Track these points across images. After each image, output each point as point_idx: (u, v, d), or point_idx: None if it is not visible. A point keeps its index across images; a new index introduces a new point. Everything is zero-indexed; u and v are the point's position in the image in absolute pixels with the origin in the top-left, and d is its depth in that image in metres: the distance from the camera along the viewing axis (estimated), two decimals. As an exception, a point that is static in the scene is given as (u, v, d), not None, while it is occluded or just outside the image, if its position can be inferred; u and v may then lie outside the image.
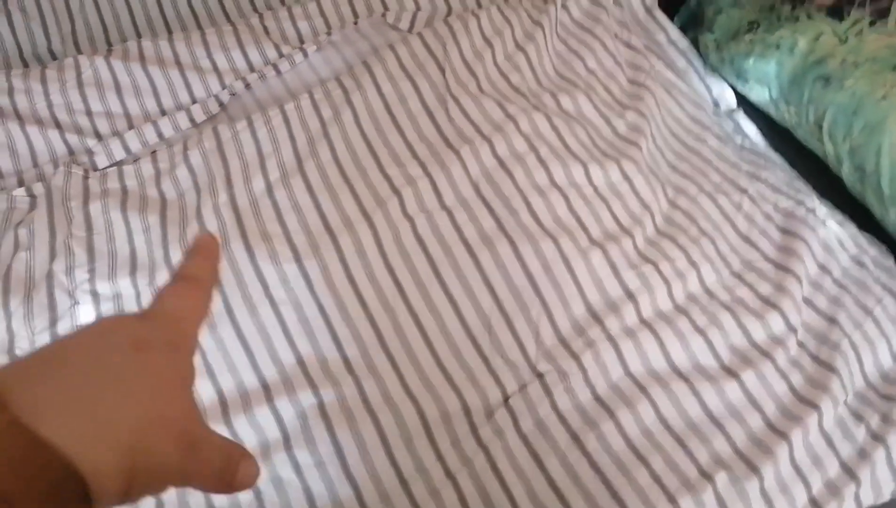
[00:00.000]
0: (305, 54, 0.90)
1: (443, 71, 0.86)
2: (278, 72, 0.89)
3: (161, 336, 0.30)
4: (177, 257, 0.71)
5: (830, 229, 0.78)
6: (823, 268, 0.76)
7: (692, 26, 0.98)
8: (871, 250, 0.77)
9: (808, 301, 0.74)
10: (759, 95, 0.90)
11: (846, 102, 0.78)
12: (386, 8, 0.96)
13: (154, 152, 0.82)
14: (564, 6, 0.97)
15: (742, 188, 0.81)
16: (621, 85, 0.90)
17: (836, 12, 0.81)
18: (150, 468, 0.27)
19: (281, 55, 0.90)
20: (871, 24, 0.79)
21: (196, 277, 0.34)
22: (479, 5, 0.98)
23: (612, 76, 0.91)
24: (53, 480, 0.24)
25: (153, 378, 0.28)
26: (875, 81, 0.76)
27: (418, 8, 0.96)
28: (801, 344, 0.71)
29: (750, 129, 0.93)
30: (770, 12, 0.87)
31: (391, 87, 0.85)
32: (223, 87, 0.88)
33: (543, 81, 0.89)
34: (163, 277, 0.70)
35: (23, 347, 0.67)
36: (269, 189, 0.77)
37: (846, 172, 0.80)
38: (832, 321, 0.72)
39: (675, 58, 0.98)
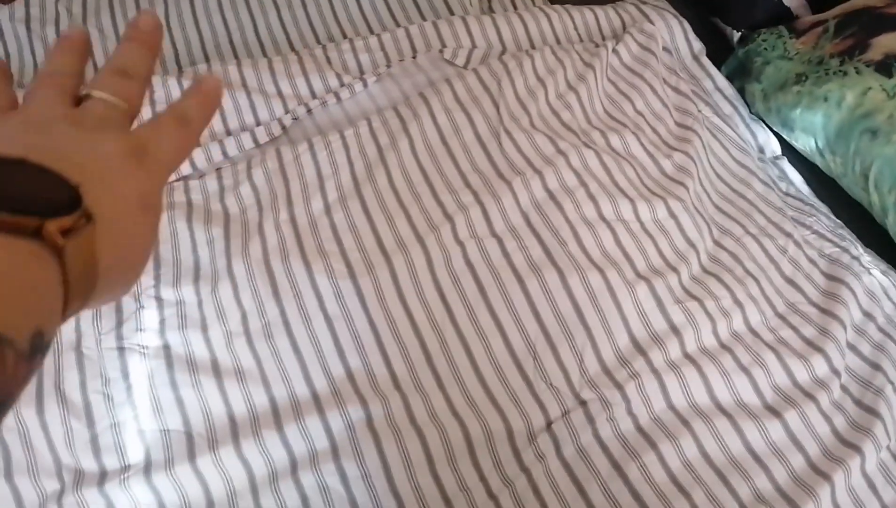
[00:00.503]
0: (365, 84, 0.95)
1: (497, 106, 0.90)
2: (339, 99, 0.94)
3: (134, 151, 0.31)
4: (240, 269, 0.74)
5: (875, 277, 0.79)
6: (868, 314, 0.76)
7: (739, 76, 1.01)
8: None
9: (851, 346, 0.74)
10: (804, 143, 0.92)
11: (893, 155, 0.79)
12: (443, 44, 1.00)
13: (219, 169, 0.86)
14: (615, 50, 1.01)
15: (787, 232, 0.83)
16: (669, 127, 0.93)
17: (885, 68, 0.84)
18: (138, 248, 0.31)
19: (342, 84, 0.95)
20: (920, 80, 0.81)
21: (190, 119, 0.34)
22: (533, 46, 1.02)
23: (659, 118, 0.93)
24: (89, 270, 0.28)
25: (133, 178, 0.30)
26: (923, 134, 0.78)
27: (474, 45, 1.00)
28: (844, 388, 0.72)
29: (795, 176, 0.94)
30: (819, 66, 0.89)
31: (446, 118, 0.88)
32: (286, 111, 0.92)
33: (593, 119, 0.92)
34: (225, 287, 0.73)
35: (89, 346, 0.70)
36: (328, 209, 0.80)
37: (891, 223, 0.81)
38: (876, 366, 0.72)
39: (722, 104, 1.01)
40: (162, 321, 0.72)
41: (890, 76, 0.83)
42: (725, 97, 1.01)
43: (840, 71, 0.87)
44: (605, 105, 0.95)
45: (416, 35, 1.01)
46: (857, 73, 0.85)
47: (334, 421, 0.68)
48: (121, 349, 0.70)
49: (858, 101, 0.84)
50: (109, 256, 0.28)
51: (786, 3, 1.03)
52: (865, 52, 0.86)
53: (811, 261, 0.81)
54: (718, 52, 1.07)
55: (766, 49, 0.97)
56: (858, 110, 0.84)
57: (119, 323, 0.72)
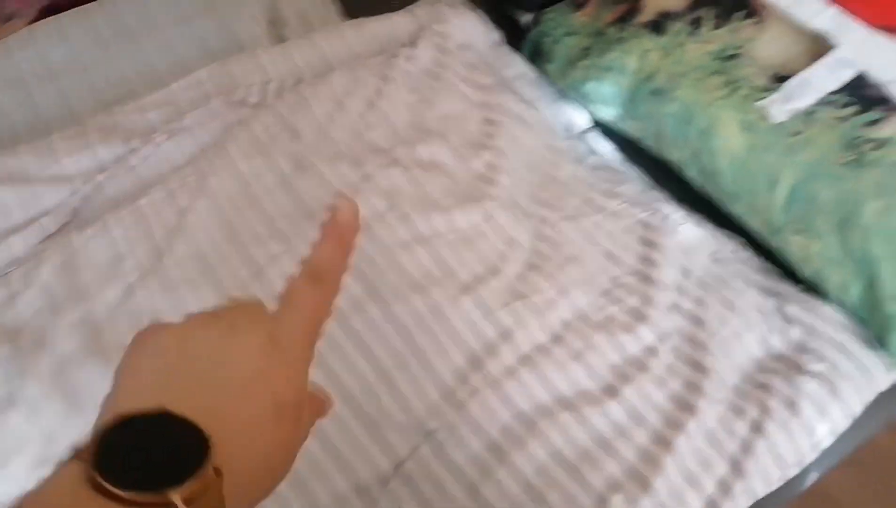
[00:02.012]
0: (158, 144, 0.89)
1: (297, 141, 0.86)
2: (131, 167, 0.87)
3: (294, 387, 0.30)
4: (33, 391, 0.67)
5: (687, 231, 0.81)
6: (685, 271, 0.79)
7: (536, 59, 1.02)
8: (729, 245, 0.81)
9: (674, 306, 0.76)
10: (606, 114, 0.94)
11: (679, 112, 0.82)
12: (236, 85, 0.95)
13: (6, 275, 0.78)
14: (410, 57, 0.99)
15: (600, 207, 0.84)
16: (474, 126, 0.92)
17: (657, 27, 0.86)
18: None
19: (132, 149, 0.88)
20: (690, 33, 0.83)
21: (325, 276, 0.32)
22: (330, 68, 0.99)
23: (464, 119, 0.93)
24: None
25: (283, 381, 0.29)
26: (700, 88, 0.80)
27: (268, 80, 0.96)
28: (674, 350, 0.73)
29: (604, 147, 0.96)
30: (600, 36, 0.91)
31: (247, 165, 0.84)
32: (74, 192, 0.85)
33: (398, 133, 0.90)
34: (17, 414, 0.66)
35: None
36: (127, 295, 0.74)
37: (693, 176, 0.84)
38: (699, 322, 0.75)
39: (525, 90, 1.01)
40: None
41: (663, 34, 0.85)
42: (528, 82, 1.02)
43: (619, 38, 0.89)
44: (408, 116, 0.93)
45: (206, 80, 0.96)
46: (634, 37, 0.87)
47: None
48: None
49: (639, 64, 0.86)
50: (241, 490, 0.27)
51: (567, -22, 1.04)
52: (639, 15, 0.88)
53: (626, 231, 0.82)
54: (518, 39, 1.07)
55: (553, 28, 0.98)
56: (641, 73, 0.86)
57: None
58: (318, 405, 0.34)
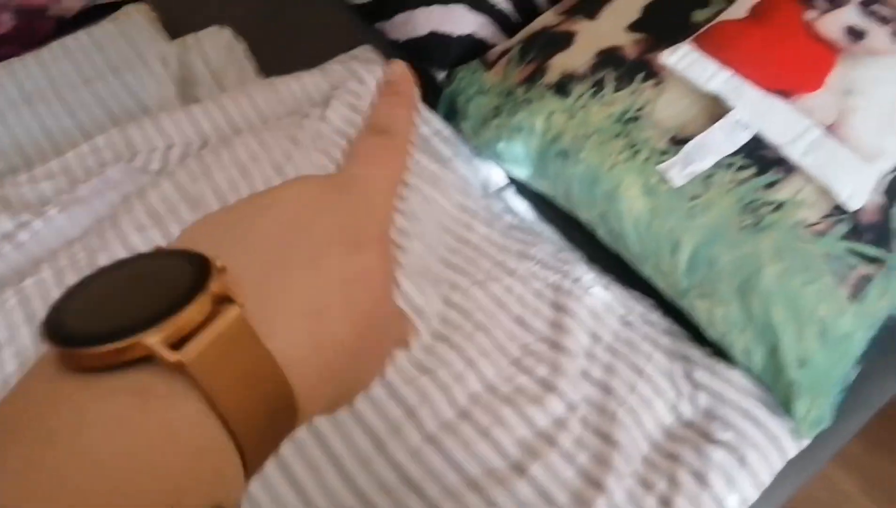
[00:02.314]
0: (50, 218, 0.84)
1: (197, 211, 0.83)
2: (18, 244, 0.82)
3: (370, 225, 0.25)
4: None
5: (596, 295, 0.80)
6: (595, 337, 0.77)
7: (452, 116, 1.01)
8: (638, 307, 0.80)
9: (584, 374, 0.74)
10: (519, 173, 0.93)
11: (584, 174, 0.81)
12: (135, 151, 0.92)
13: None
14: (323, 117, 0.97)
15: (511, 270, 0.82)
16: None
17: (562, 89, 0.86)
18: (354, 389, 0.24)
19: (22, 224, 0.84)
20: (593, 95, 0.83)
21: (391, 128, 0.28)
22: (237, 131, 0.96)
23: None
24: (272, 407, 0.19)
25: (371, 286, 0.23)
26: (603, 151, 0.80)
27: (170, 144, 0.93)
28: (582, 421, 0.71)
29: (520, 205, 0.95)
30: (509, 96, 0.91)
31: (139, 238, 0.80)
32: (-46, 273, 0.80)
33: (306, 199, 0.87)
34: None
35: None
36: (5, 384, 0.69)
37: (603, 236, 0.84)
38: (608, 389, 0.73)
39: (441, 148, 1.00)
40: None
41: (567, 96, 0.85)
42: (444, 140, 1.00)
43: (526, 99, 0.88)
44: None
45: (103, 147, 0.92)
46: (541, 98, 0.87)
47: None
48: None
49: (546, 126, 0.85)
50: (297, 343, 0.21)
51: (478, 36, 1.04)
52: (545, 76, 0.88)
53: (537, 295, 0.81)
54: (434, 96, 1.06)
55: (465, 87, 0.97)
56: (548, 135, 0.85)
57: None
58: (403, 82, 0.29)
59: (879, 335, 0.72)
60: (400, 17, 1.09)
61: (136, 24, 1.10)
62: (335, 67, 1.06)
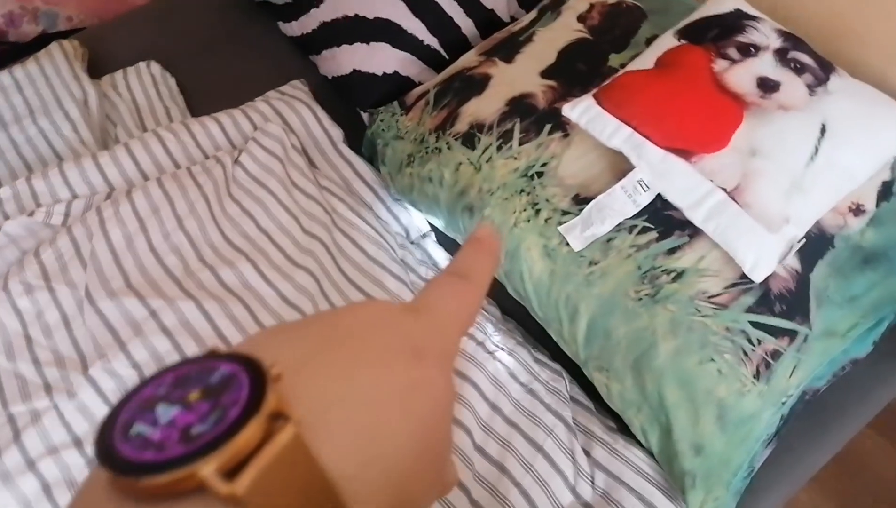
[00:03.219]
0: (-56, 275, 0.82)
1: (87, 270, 0.80)
2: None
3: (435, 344, 0.25)
4: None
5: (500, 360, 0.76)
6: (494, 407, 0.73)
7: (374, 159, 0.97)
8: (544, 374, 0.75)
9: (479, 449, 0.70)
10: (436, 223, 0.89)
11: (489, 231, 0.77)
12: (38, 203, 0.89)
13: None
14: (238, 162, 0.94)
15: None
16: (295, 239, 0.87)
17: (469, 140, 0.81)
18: (413, 503, 0.23)
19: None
20: (499, 148, 0.79)
21: (470, 274, 0.28)
22: (146, 178, 0.93)
23: (285, 231, 0.87)
24: None
25: (431, 400, 0.23)
26: (506, 208, 0.75)
27: (74, 196, 0.90)
28: (474, 503, 0.67)
29: (439, 255, 0.91)
30: (421, 144, 0.86)
31: (27, 301, 0.77)
32: None
33: (206, 255, 0.84)
34: None
35: None
36: None
37: (512, 293, 0.79)
38: (502, 468, 0.68)
39: (362, 192, 0.96)
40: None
41: (474, 148, 0.80)
42: (366, 184, 0.96)
43: (436, 148, 0.84)
44: (226, 230, 0.87)
45: (8, 199, 0.89)
46: (449, 148, 0.82)
47: None
48: None
49: (454, 178, 0.81)
50: (353, 456, 0.20)
51: (404, 74, 1.00)
52: (455, 124, 0.84)
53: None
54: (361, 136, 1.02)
55: (383, 130, 0.93)
56: (455, 188, 0.81)
57: None
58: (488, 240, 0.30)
59: (799, 407, 0.67)
60: (326, 53, 1.05)
61: (57, 63, 1.07)
62: (261, 107, 1.02)
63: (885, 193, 0.70)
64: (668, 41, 0.75)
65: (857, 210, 0.69)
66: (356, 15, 1.01)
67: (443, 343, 0.25)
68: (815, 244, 0.67)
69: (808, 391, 0.67)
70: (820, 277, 0.67)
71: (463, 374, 0.75)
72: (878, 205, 0.69)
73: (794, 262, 0.67)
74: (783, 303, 0.65)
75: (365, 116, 1.02)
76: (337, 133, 1.01)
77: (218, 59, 1.18)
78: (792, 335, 0.64)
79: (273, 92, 1.08)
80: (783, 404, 0.64)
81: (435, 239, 0.94)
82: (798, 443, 0.73)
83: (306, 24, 1.09)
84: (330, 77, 1.06)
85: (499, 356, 0.76)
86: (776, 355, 0.63)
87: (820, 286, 0.67)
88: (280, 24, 1.16)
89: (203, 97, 1.12)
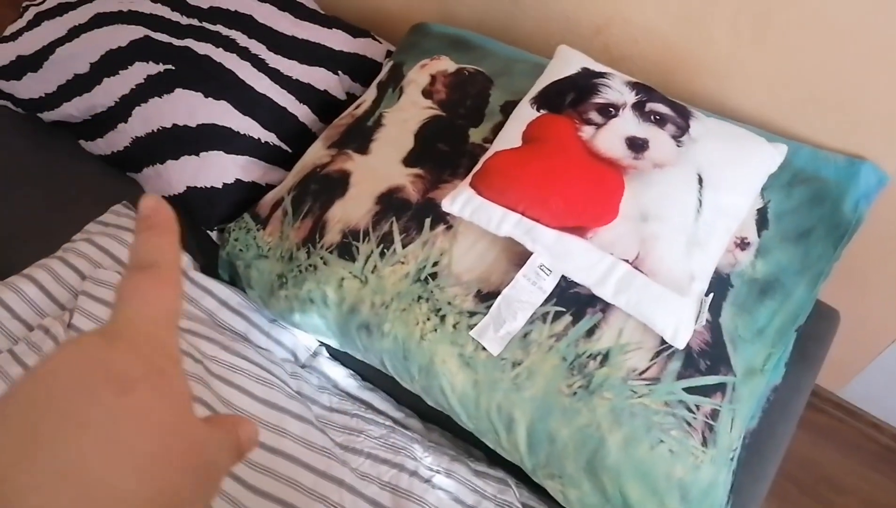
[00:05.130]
0: None
1: None
2: None
3: (141, 363, 0.24)
4: None
5: (440, 485, 0.69)
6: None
7: (237, 281, 0.86)
8: (489, 489, 0.70)
9: None
10: (328, 342, 0.80)
11: (394, 349, 0.70)
12: None
13: None
14: (72, 326, 0.79)
15: (339, 480, 0.69)
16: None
17: (346, 250, 0.74)
18: None
19: None
20: (382, 254, 0.72)
21: (155, 260, 0.27)
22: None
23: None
24: None
25: (152, 425, 0.22)
26: (407, 320, 0.69)
27: None
28: None
29: (337, 373, 0.82)
30: (291, 262, 0.77)
31: None
32: None
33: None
34: None
35: None
36: None
37: (433, 406, 0.73)
38: None
39: (232, 322, 0.85)
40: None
41: (353, 259, 0.73)
42: (234, 311, 0.85)
43: (310, 266, 0.75)
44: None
45: None
46: (325, 263, 0.74)
47: None
48: None
49: (339, 296, 0.73)
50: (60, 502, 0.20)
51: (247, 180, 0.90)
52: (325, 234, 0.76)
53: (372, 503, 0.68)
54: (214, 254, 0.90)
55: (241, 250, 0.82)
56: (343, 306, 0.73)
57: None
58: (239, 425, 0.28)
59: (743, 454, 0.66)
60: (149, 171, 0.92)
61: None
62: (83, 248, 0.87)
63: (762, 221, 0.72)
64: (527, 113, 0.72)
65: (743, 244, 0.71)
66: (175, 125, 0.89)
67: (150, 356, 0.24)
68: (716, 288, 0.68)
69: (746, 435, 0.67)
70: (728, 319, 0.67)
71: (404, 514, 0.67)
72: (759, 234, 0.71)
73: (705, 314, 0.66)
74: (706, 358, 0.64)
75: (214, 234, 0.90)
76: (183, 260, 0.88)
77: (18, 195, 0.99)
78: (722, 388, 0.64)
79: (93, 225, 0.93)
80: (731, 459, 0.64)
81: (327, 354, 0.85)
82: (743, 481, 0.73)
83: (115, 141, 0.95)
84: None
85: (436, 481, 0.69)
86: (715, 415, 0.63)
87: (730, 328, 0.67)
88: (82, 142, 1.00)
89: (5, 247, 0.94)
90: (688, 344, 0.64)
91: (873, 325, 1.00)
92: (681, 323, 0.62)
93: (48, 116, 0.99)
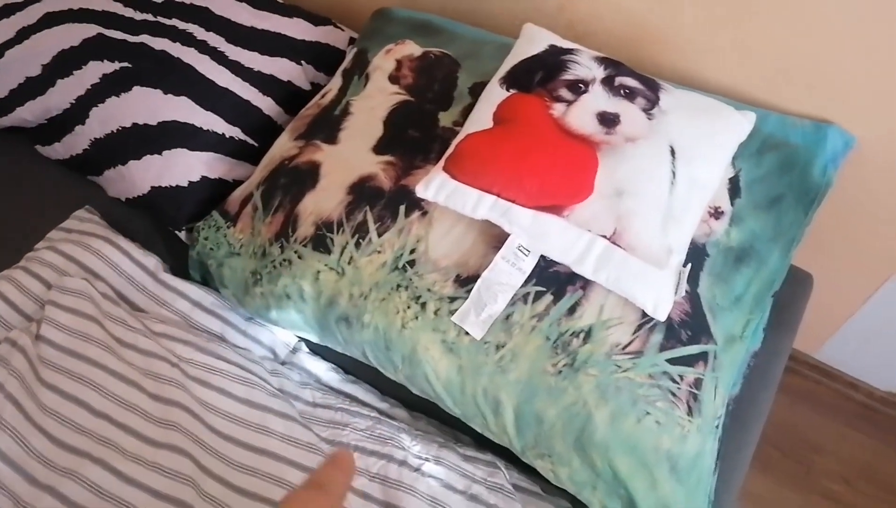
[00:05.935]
0: None
1: None
2: None
3: None
4: None
5: (430, 472, 0.69)
6: (443, 530, 0.66)
7: (210, 280, 0.84)
8: (479, 472, 0.69)
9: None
10: (308, 337, 0.79)
11: (375, 340, 0.69)
12: None
13: None
14: (40, 337, 0.76)
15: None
16: (146, 412, 0.72)
17: (321, 243, 0.72)
18: None
19: None
20: (357, 245, 0.71)
21: (325, 485, 0.32)
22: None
23: (130, 407, 0.72)
24: None
25: None
26: (387, 310, 0.68)
27: None
28: None
29: (318, 367, 0.81)
30: (264, 258, 0.75)
31: None
32: None
33: (39, 474, 0.67)
34: None
35: None
36: None
37: (419, 394, 0.72)
38: None
39: (207, 323, 0.83)
40: None
41: (329, 251, 0.72)
42: (208, 311, 0.83)
43: (284, 261, 0.74)
44: (51, 430, 0.70)
45: None
46: (300, 257, 0.73)
47: None
48: None
49: (315, 289, 0.72)
50: None
51: (214, 176, 0.88)
52: (298, 228, 0.74)
53: (365, 497, 0.67)
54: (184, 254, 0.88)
55: (212, 248, 0.80)
56: (321, 300, 0.72)
57: None
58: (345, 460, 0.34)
59: (727, 421, 0.67)
60: (111, 173, 0.89)
61: None
62: (46, 257, 0.84)
63: (734, 190, 0.72)
64: (497, 93, 0.71)
65: (717, 213, 0.71)
66: (135, 124, 0.86)
67: None
68: (693, 258, 0.68)
69: (730, 402, 0.67)
70: (706, 288, 0.68)
71: (395, 505, 0.66)
72: (732, 203, 0.71)
73: (684, 285, 0.66)
74: (687, 328, 0.65)
75: (182, 234, 0.88)
76: (152, 262, 0.86)
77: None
78: (704, 357, 0.64)
79: (56, 232, 0.90)
80: (717, 427, 0.64)
81: (307, 349, 0.84)
82: (728, 448, 0.74)
83: (73, 144, 0.91)
84: (124, 199, 0.90)
85: (426, 469, 0.69)
86: (698, 383, 0.63)
87: (708, 297, 0.68)
88: (39, 147, 0.97)
89: None
90: (668, 316, 0.64)
91: (846, 286, 1.01)
92: (661, 296, 0.62)
93: (1, 122, 0.96)
